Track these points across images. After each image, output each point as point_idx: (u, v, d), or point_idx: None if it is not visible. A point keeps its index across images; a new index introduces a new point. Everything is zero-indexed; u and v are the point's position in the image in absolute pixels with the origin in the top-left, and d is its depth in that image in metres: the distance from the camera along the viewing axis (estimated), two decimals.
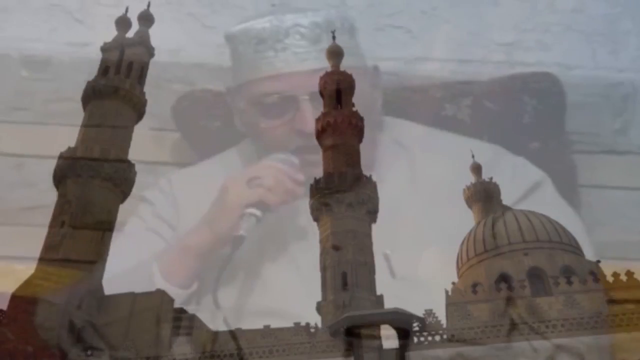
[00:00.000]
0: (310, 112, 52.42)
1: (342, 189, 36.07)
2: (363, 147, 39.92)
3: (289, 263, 51.26)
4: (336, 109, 40.31)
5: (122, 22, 45.52)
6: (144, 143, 43.68)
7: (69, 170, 37.69)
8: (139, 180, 40.27)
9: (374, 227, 37.09)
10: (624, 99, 62.25)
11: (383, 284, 35.82)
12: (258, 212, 50.59)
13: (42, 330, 31.77)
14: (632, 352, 29.10)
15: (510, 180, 52.37)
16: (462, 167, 53.29)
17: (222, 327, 44.75)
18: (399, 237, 39.98)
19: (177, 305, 48.76)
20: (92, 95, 41.24)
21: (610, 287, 31.33)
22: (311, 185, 37.69)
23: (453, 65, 61.25)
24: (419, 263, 47.01)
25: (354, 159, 38.46)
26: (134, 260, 48.51)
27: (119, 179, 38.15)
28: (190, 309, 49.34)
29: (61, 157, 38.79)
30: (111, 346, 32.51)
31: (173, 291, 48.29)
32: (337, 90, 41.41)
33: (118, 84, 41.22)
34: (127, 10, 46.00)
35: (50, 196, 57.16)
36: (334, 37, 44.95)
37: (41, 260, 35.53)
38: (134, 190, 39.99)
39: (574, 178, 58.94)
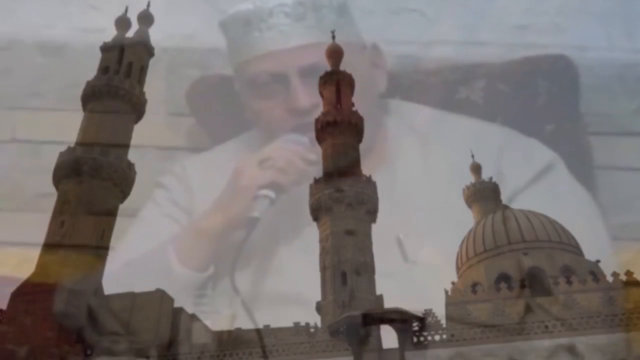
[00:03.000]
0: (301, 88, 53.19)
1: (342, 189, 36.05)
2: (366, 128, 39.93)
3: (303, 246, 51.22)
4: (336, 108, 40.21)
5: (122, 22, 45.71)
6: (160, 129, 43.84)
7: (68, 170, 37.67)
8: (154, 166, 40.39)
9: (387, 211, 37.17)
10: (639, 80, 61.96)
11: (397, 267, 35.91)
12: (272, 194, 50.70)
13: (62, 317, 31.97)
14: (632, 351, 29.22)
15: (523, 163, 52.40)
16: (474, 150, 53.34)
17: (240, 311, 45.08)
18: (412, 222, 39.86)
19: (195, 289, 49.22)
20: (92, 95, 41.31)
21: (610, 287, 31.23)
22: (310, 185, 37.67)
23: (467, 48, 61.02)
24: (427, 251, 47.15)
25: (354, 158, 38.42)
26: (150, 244, 48.88)
27: (119, 179, 38.12)
28: (207, 293, 50.00)
29: (61, 156, 38.74)
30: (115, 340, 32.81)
31: (190, 275, 48.87)
32: (337, 90, 41.28)
33: (118, 84, 41.33)
34: (126, 10, 46.24)
35: None
36: (333, 37, 44.62)
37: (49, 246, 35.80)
38: (151, 175, 40.03)
39: (590, 160, 58.69)
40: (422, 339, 30.89)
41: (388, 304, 32.83)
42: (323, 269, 34.61)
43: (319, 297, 34.22)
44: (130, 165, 39.39)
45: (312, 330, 32.03)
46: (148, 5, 46.60)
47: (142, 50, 44.21)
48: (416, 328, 31.01)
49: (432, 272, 43.92)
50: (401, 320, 30.57)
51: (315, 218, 36.92)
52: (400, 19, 63.19)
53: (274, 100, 54.68)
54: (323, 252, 35.11)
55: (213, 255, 50.51)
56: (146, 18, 45.97)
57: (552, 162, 54.18)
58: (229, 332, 32.78)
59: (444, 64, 60.75)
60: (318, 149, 51.20)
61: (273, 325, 32.85)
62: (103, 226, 36.61)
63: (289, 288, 48.72)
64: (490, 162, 50.44)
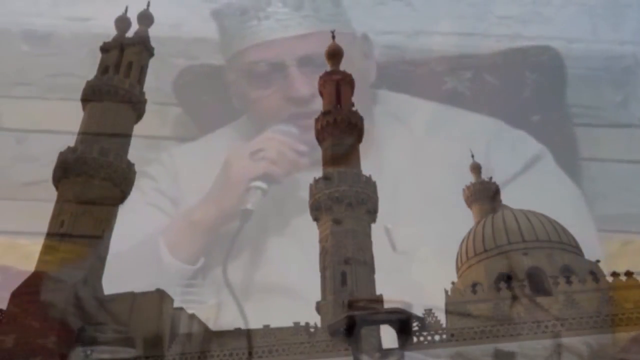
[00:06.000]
0: (299, 78, 53.32)
1: (342, 189, 35.83)
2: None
3: (292, 237, 51.31)
4: (336, 108, 39.95)
5: (122, 22, 45.50)
6: (146, 118, 43.90)
7: (68, 170, 37.46)
8: (141, 155, 40.26)
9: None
10: (625, 72, 62.10)
11: (385, 258, 35.90)
12: (264, 185, 50.67)
13: (49, 306, 31.73)
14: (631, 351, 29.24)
15: (510, 154, 52.49)
16: (462, 141, 53.40)
17: (229, 303, 44.87)
18: (400, 211, 39.80)
19: (184, 280, 49.01)
20: (92, 95, 41.04)
21: (610, 286, 31.31)
22: (310, 185, 37.51)
23: (454, 38, 61.00)
24: (420, 237, 47.13)
25: (354, 158, 38.28)
26: (137, 235, 48.61)
27: (118, 179, 37.93)
28: (196, 283, 49.97)
29: (61, 156, 38.51)
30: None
31: (180, 267, 48.80)
32: (337, 90, 41.11)
33: (117, 84, 41.15)
34: (126, 10, 46.03)
35: (52, 171, 57.54)
36: (333, 37, 44.36)
37: (48, 235, 35.57)
38: (137, 165, 39.94)
39: (575, 151, 58.79)
40: (422, 339, 30.78)
41: (389, 279, 33.23)
42: (323, 269, 34.27)
43: (304, 288, 33.95)
44: (130, 166, 39.25)
45: (312, 330, 31.76)
46: (148, 5, 46.35)
47: (142, 50, 43.97)
48: (416, 328, 30.88)
49: (431, 268, 44.04)
50: (401, 320, 30.47)
51: (316, 218, 36.65)
52: (387, 9, 63.16)
53: (271, 89, 54.74)
54: (323, 252, 34.84)
55: (204, 247, 50.47)
56: (146, 18, 45.72)
57: (540, 153, 54.31)
58: (230, 332, 32.48)
59: (430, 55, 60.61)
60: (308, 140, 51.26)
61: (260, 315, 32.69)
62: (103, 226, 36.39)
63: (278, 279, 48.76)
64: (479, 153, 50.61)
